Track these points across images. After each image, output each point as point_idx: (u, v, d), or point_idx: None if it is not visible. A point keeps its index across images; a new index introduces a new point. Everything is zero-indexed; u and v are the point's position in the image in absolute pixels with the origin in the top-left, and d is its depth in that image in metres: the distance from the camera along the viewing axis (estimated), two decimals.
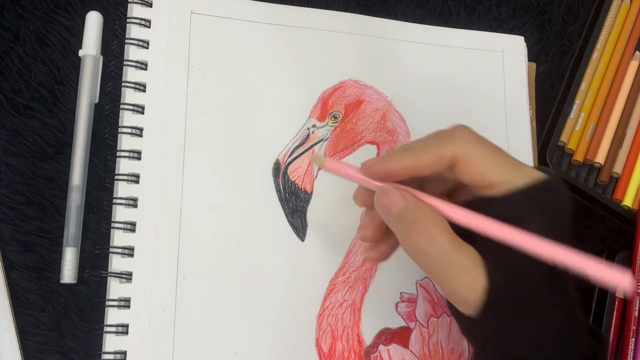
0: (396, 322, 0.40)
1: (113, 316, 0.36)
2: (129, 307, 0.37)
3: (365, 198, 0.33)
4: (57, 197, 0.40)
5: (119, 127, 0.39)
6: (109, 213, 0.38)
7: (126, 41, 0.41)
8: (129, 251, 0.37)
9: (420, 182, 0.32)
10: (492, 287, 0.27)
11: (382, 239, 0.34)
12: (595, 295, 0.47)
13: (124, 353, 0.36)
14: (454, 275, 0.28)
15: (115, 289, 0.37)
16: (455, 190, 0.33)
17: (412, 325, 0.41)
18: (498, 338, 0.28)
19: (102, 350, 0.36)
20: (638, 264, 0.46)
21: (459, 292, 0.28)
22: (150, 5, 0.42)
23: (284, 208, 0.41)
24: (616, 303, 0.46)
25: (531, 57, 0.49)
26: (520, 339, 0.28)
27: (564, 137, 0.49)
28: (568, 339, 0.28)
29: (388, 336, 0.40)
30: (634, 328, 0.45)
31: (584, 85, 0.50)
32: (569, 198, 0.29)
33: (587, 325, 0.30)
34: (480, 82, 0.47)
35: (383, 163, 0.31)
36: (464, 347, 0.41)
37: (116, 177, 0.39)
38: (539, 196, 0.28)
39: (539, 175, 0.28)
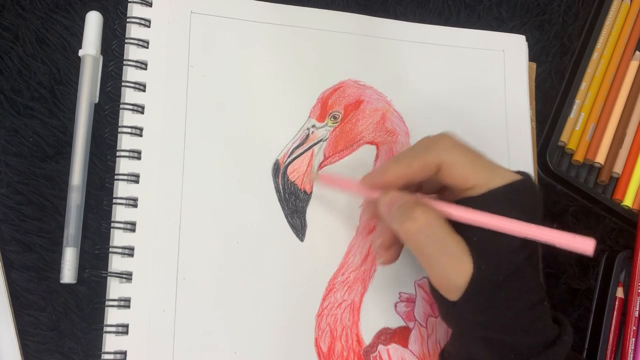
0: (395, 322, 0.40)
1: (113, 316, 0.36)
2: (129, 307, 0.37)
3: (372, 209, 0.38)
4: (57, 197, 0.40)
5: (119, 126, 0.39)
6: (109, 213, 0.38)
7: (126, 41, 0.41)
8: (129, 251, 0.37)
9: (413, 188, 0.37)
10: (476, 273, 0.31)
11: (392, 244, 0.37)
12: (595, 296, 0.47)
13: (124, 353, 0.36)
14: (445, 259, 0.31)
15: (115, 288, 0.37)
16: (441, 194, 0.37)
17: (411, 324, 0.41)
18: (475, 321, 0.31)
19: (102, 350, 0.36)
20: (638, 264, 0.46)
21: (449, 274, 0.31)
22: (150, 4, 0.42)
23: (283, 208, 0.41)
24: (616, 303, 0.46)
25: (531, 57, 0.49)
26: (494, 322, 0.31)
27: (564, 137, 0.49)
28: (535, 323, 0.31)
29: (387, 336, 0.40)
30: (634, 328, 0.45)
31: (584, 85, 0.50)
32: (540, 196, 0.33)
33: (551, 312, 0.33)
34: (481, 82, 0.47)
35: (381, 175, 0.35)
36: None
37: (116, 177, 0.39)
38: (513, 195, 0.32)
39: (514, 177, 0.32)
